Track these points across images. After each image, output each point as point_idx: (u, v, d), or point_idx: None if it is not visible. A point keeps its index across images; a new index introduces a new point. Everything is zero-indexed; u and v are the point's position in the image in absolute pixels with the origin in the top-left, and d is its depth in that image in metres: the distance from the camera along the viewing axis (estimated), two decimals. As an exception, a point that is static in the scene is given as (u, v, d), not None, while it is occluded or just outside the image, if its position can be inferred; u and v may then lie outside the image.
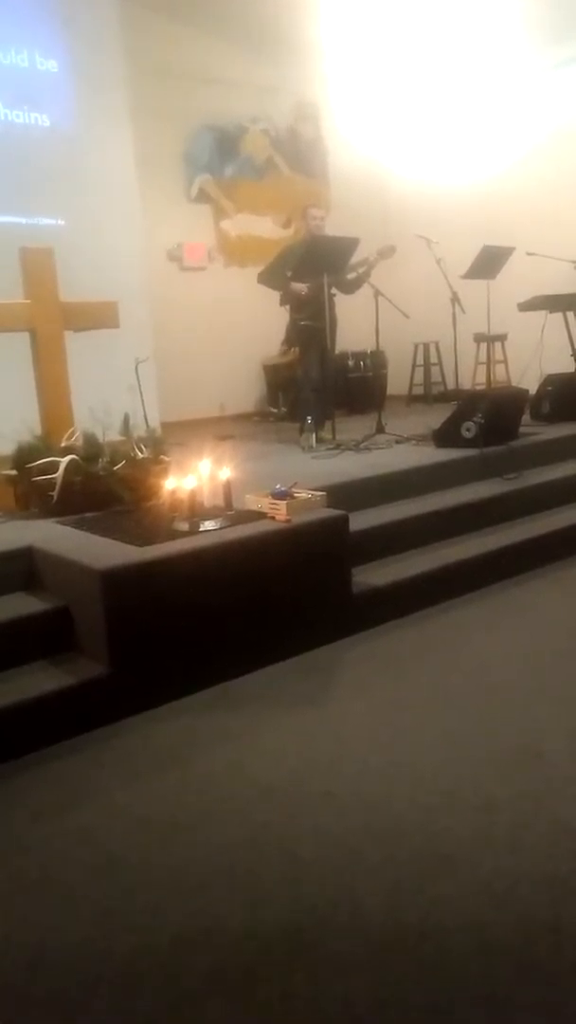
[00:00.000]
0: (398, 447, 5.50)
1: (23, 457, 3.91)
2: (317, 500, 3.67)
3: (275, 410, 8.40)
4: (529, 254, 6.95)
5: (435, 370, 8.83)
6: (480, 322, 7.55)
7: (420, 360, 8.83)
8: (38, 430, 4.14)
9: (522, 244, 7.11)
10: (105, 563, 2.96)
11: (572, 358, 6.99)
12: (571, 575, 4.28)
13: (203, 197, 8.81)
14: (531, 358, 6.80)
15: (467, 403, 5.31)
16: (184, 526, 3.38)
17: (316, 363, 6.32)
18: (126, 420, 4.21)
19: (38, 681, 2.89)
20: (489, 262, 7.12)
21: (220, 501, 3.66)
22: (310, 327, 6.18)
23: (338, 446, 5.57)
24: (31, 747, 2.74)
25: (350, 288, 6.35)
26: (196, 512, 3.46)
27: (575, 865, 2.01)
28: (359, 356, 8.34)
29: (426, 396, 8.76)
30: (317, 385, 6.33)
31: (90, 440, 4.01)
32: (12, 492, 3.99)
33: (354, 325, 6.77)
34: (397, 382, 8.90)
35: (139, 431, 4.28)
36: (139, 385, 5.58)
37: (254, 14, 7.57)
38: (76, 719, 2.84)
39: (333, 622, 3.54)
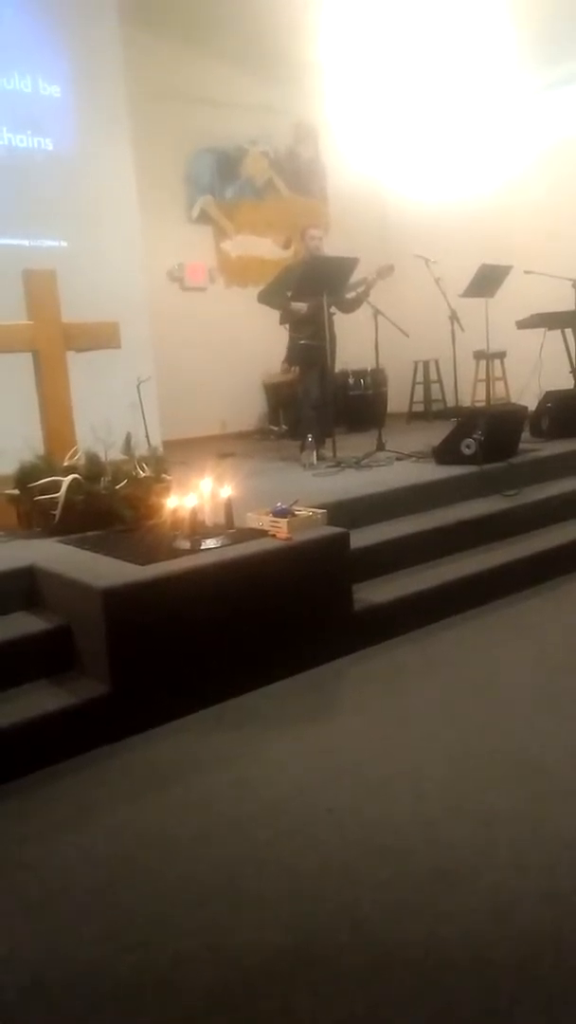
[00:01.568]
0: (398, 464, 5.52)
1: (25, 476, 3.94)
2: (318, 518, 3.68)
3: (276, 428, 8.43)
4: (527, 272, 7.00)
5: (435, 388, 8.88)
6: (479, 340, 7.59)
7: (420, 378, 8.88)
8: (40, 449, 4.16)
9: (520, 262, 7.17)
10: (107, 582, 2.98)
11: (571, 375, 7.03)
12: (572, 591, 4.29)
13: (204, 218, 8.90)
14: (530, 375, 6.84)
15: (467, 420, 5.34)
16: (185, 544, 3.40)
17: (316, 381, 6.36)
18: (128, 439, 4.24)
19: (40, 700, 2.90)
20: (487, 280, 7.18)
21: (221, 519, 3.68)
22: (310, 346, 6.23)
23: (339, 464, 5.59)
24: (33, 766, 2.74)
25: (349, 308, 6.40)
26: (197, 530, 3.48)
27: (576, 880, 2.01)
28: (359, 374, 8.39)
29: (426, 413, 8.80)
30: (317, 403, 6.36)
31: (92, 459, 4.03)
32: (14, 511, 4.01)
33: (354, 343, 6.81)
34: (397, 400, 8.95)
35: (141, 450, 4.31)
36: (141, 404, 5.62)
37: (253, 37, 7.68)
38: (78, 738, 2.85)
39: (334, 639, 3.55)
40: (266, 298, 6.58)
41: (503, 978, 1.72)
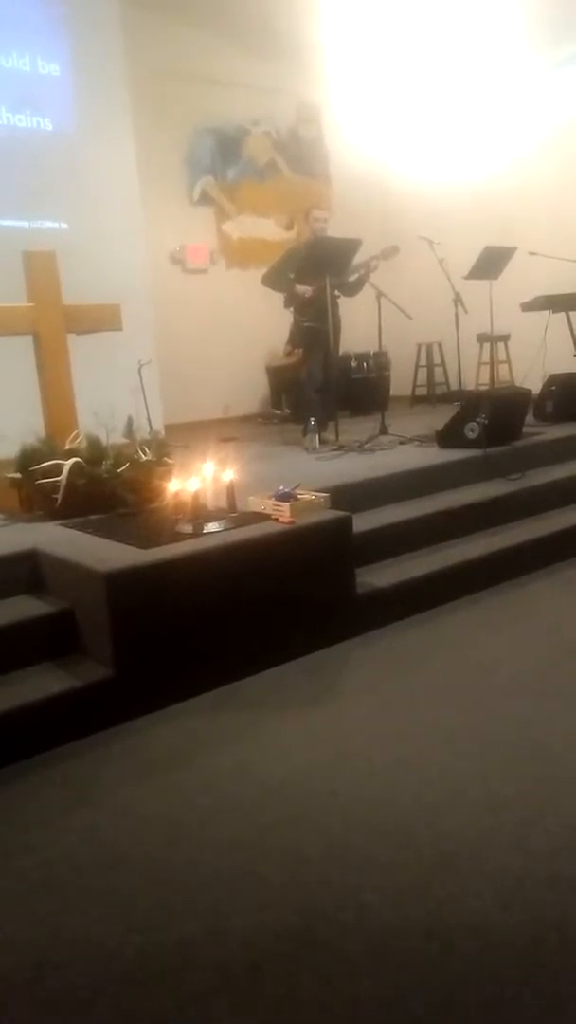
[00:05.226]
0: (401, 448, 5.50)
1: (27, 460, 3.92)
2: (321, 501, 3.67)
3: (278, 412, 8.41)
4: (531, 254, 6.95)
5: (438, 371, 8.83)
6: (483, 322, 7.54)
7: (423, 361, 8.83)
8: (42, 433, 4.15)
9: (524, 244, 7.11)
10: (109, 565, 2.97)
11: (575, 358, 6.98)
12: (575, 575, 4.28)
13: (205, 199, 8.83)
14: (534, 358, 6.80)
15: (470, 404, 5.31)
16: (188, 528, 3.38)
17: (319, 364, 6.33)
18: (129, 422, 4.23)
19: (43, 683, 2.90)
20: (491, 262, 7.12)
21: (224, 503, 3.66)
22: (314, 328, 6.19)
23: (341, 447, 5.57)
24: (37, 749, 2.74)
25: (352, 290, 6.35)
26: (200, 514, 3.47)
27: (581, 864, 2.01)
28: (362, 357, 8.33)
29: (429, 397, 8.75)
30: (320, 386, 6.33)
31: (94, 443, 4.01)
32: (16, 495, 4.00)
33: (357, 326, 6.77)
34: (400, 383, 8.90)
35: (143, 433, 4.29)
36: (142, 387, 5.61)
37: (255, 16, 7.59)
38: (81, 721, 2.84)
39: (337, 623, 3.54)
40: (270, 281, 6.54)
41: (508, 962, 1.72)
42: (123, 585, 2.93)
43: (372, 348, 7.37)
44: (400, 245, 6.38)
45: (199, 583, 3.10)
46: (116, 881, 2.08)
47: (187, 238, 8.59)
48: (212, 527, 3.40)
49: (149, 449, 4.09)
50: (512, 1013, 1.60)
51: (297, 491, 3.67)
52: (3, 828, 2.35)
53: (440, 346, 8.62)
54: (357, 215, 8.55)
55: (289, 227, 9.27)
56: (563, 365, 6.82)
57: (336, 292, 6.16)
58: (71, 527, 3.66)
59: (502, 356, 8.19)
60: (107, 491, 3.84)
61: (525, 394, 5.76)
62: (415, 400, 8.84)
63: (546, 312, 6.85)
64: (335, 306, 6.17)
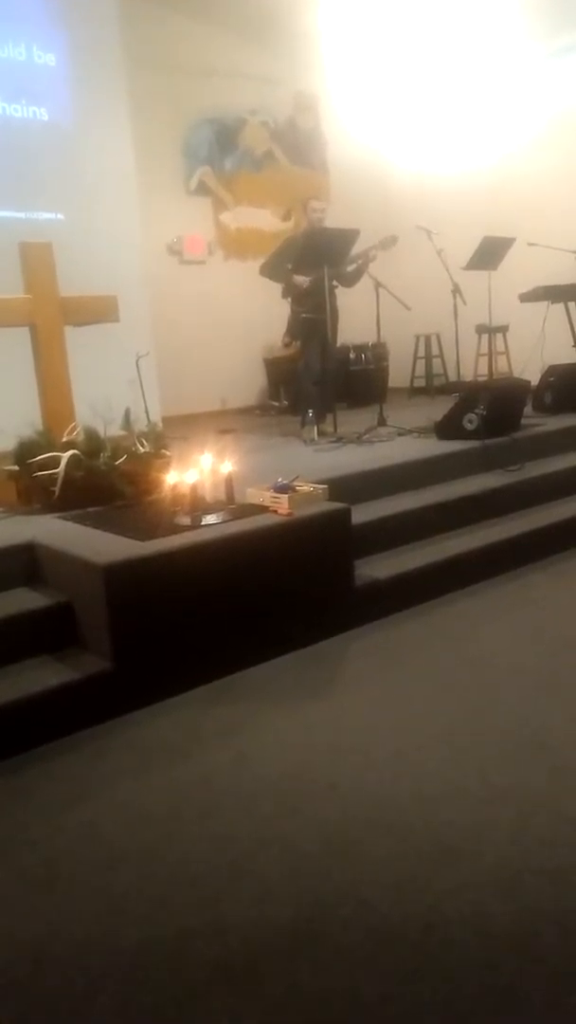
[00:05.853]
0: (400, 439, 5.49)
1: (24, 453, 3.91)
2: (319, 493, 3.66)
3: (276, 403, 8.39)
4: (530, 244, 6.92)
5: (436, 362, 8.81)
6: (481, 313, 7.52)
7: (421, 352, 8.81)
8: (39, 425, 4.13)
9: (523, 234, 7.09)
10: (107, 558, 2.96)
11: (574, 349, 6.97)
12: (574, 566, 4.27)
13: (202, 190, 8.78)
14: (533, 349, 6.78)
15: (469, 395, 5.30)
16: (186, 520, 3.37)
17: (317, 356, 6.31)
18: (127, 415, 4.21)
19: (41, 676, 2.89)
20: (490, 253, 7.10)
21: (222, 495, 3.65)
22: (311, 320, 6.17)
23: (340, 439, 5.56)
24: (35, 742, 2.74)
25: (350, 281, 6.32)
26: (198, 506, 3.46)
27: (579, 857, 2.01)
28: (360, 348, 8.32)
29: (428, 388, 8.73)
30: (318, 378, 6.32)
31: (91, 435, 4.00)
32: (14, 488, 3.99)
33: (355, 317, 6.75)
34: (398, 374, 8.89)
35: (140, 426, 4.28)
36: (140, 379, 5.58)
37: (252, 5, 7.55)
38: (79, 714, 2.84)
39: (336, 615, 3.53)
40: (268, 271, 6.51)
41: (506, 955, 1.72)
42: (121, 578, 2.92)
43: (370, 339, 7.34)
44: (398, 235, 6.35)
45: (197, 575, 3.09)
46: (115, 875, 2.08)
47: (184, 229, 8.54)
48: (210, 519, 3.40)
49: (147, 441, 4.08)
50: (511, 1005, 1.61)
51: (295, 483, 3.66)
52: (3, 823, 2.35)
53: (438, 337, 8.59)
54: (355, 205, 8.51)
55: (286, 218, 9.23)
56: (562, 356, 6.81)
57: (334, 283, 6.14)
58: (69, 520, 3.66)
59: (501, 347, 8.18)
60: (105, 483, 3.83)
61: (524, 385, 5.75)
62: (413, 391, 8.82)
63: (545, 303, 6.84)
64: (333, 297, 6.15)
